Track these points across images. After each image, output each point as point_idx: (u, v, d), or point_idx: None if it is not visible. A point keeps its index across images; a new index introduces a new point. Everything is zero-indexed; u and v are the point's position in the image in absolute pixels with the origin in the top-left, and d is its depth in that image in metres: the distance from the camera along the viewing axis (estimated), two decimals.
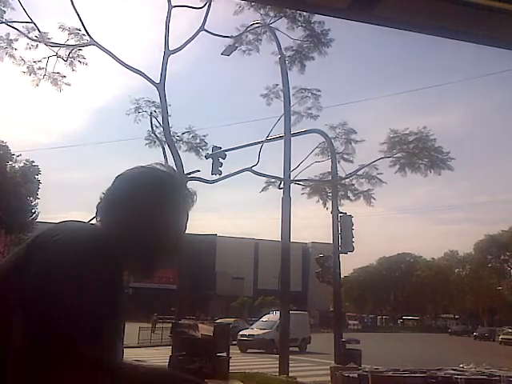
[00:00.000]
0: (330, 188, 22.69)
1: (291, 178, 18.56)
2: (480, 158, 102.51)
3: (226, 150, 21.11)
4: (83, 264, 1.08)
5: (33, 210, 31.84)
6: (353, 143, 23.52)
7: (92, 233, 1.22)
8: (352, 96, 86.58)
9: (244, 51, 20.92)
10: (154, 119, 21.37)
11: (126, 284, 1.36)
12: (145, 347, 25.85)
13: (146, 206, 1.29)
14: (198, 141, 22.76)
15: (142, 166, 1.38)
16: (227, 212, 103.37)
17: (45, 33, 19.84)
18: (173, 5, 19.48)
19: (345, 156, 23.46)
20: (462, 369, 3.66)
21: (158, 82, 19.53)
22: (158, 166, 1.39)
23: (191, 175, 20.02)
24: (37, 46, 19.87)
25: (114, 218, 1.29)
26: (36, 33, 19.58)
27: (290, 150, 16.94)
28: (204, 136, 22.99)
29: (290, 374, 14.50)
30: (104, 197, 1.33)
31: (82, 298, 1.03)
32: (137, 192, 1.31)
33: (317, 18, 19.45)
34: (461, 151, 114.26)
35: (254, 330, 28.26)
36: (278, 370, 14.76)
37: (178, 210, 1.36)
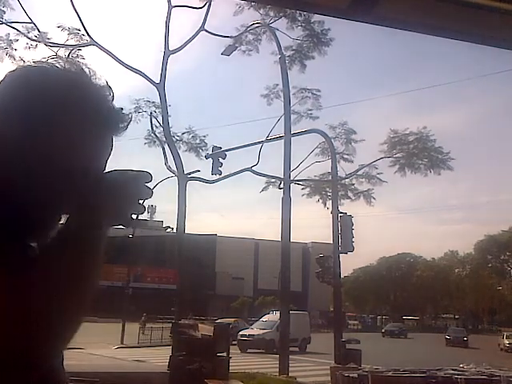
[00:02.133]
0: (330, 188, 22.71)
1: (291, 178, 18.57)
2: (480, 157, 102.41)
3: (226, 150, 21.12)
4: None
5: None
6: (353, 143, 23.57)
7: None
8: (352, 96, 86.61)
9: (244, 51, 20.95)
10: (153, 119, 21.40)
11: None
12: (145, 347, 25.86)
13: (43, 115, 0.87)
14: (197, 141, 22.80)
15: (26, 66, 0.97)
16: (227, 212, 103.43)
17: (44, 33, 19.84)
18: (173, 5, 19.47)
19: (345, 156, 23.49)
20: (462, 369, 3.66)
21: (158, 82, 19.51)
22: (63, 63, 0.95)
23: (191, 175, 20.03)
24: (36, 46, 19.86)
25: None
26: (36, 33, 19.59)
27: (290, 150, 16.96)
28: (204, 136, 23.05)
29: (290, 374, 14.52)
30: None
31: None
32: (23, 94, 0.89)
33: (317, 17, 19.47)
34: (461, 151, 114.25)
35: (254, 330, 28.27)
36: (278, 370, 14.77)
37: (94, 129, 0.91)
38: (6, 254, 0.78)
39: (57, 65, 0.94)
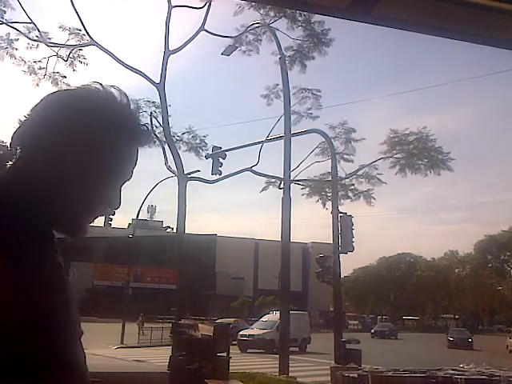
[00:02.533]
0: (329, 188, 22.72)
1: (291, 178, 18.57)
2: (480, 157, 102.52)
3: (226, 150, 21.12)
4: None
5: None
6: (353, 143, 23.59)
7: None
8: (352, 96, 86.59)
9: (244, 51, 20.94)
10: (154, 119, 21.38)
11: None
12: (145, 347, 25.86)
13: (81, 132, 0.99)
14: (197, 141, 22.78)
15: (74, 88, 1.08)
16: (227, 212, 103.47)
17: (45, 33, 19.83)
18: (173, 5, 19.45)
19: (345, 156, 23.50)
20: (462, 369, 3.65)
21: (158, 82, 19.51)
22: (99, 87, 1.04)
23: (191, 175, 20.03)
24: (37, 46, 19.86)
25: (32, 150, 0.99)
26: (36, 33, 19.58)
27: (290, 149, 16.95)
28: (204, 136, 23.04)
29: (290, 374, 14.52)
30: (22, 123, 1.01)
31: None
32: (68, 115, 1.00)
33: (317, 17, 19.46)
34: (461, 151, 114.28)
35: (254, 330, 28.26)
36: (278, 370, 14.77)
37: (124, 144, 1.03)
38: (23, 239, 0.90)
39: (94, 87, 1.04)
